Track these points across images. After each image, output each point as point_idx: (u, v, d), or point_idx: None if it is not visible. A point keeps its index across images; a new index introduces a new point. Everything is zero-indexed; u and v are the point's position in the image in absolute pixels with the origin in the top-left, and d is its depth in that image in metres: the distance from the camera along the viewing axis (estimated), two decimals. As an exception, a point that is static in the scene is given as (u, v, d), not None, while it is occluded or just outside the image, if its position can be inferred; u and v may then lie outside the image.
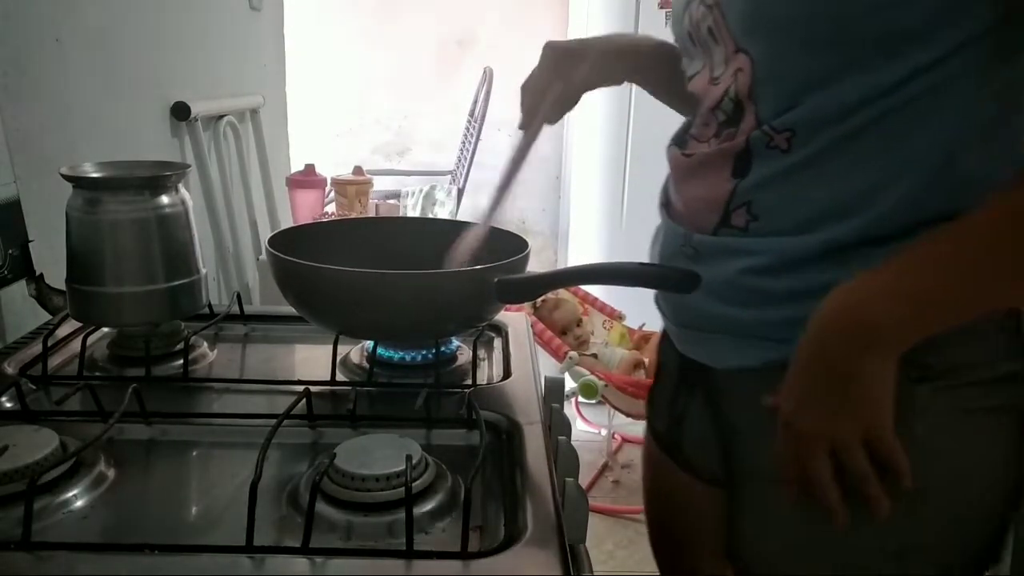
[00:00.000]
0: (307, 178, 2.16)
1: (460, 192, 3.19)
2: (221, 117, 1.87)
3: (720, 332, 0.71)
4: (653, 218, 0.83)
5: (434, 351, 0.92)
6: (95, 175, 0.93)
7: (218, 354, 0.99)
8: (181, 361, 0.91)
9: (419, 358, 0.93)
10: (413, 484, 0.61)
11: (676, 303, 0.77)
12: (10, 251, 1.02)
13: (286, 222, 2.21)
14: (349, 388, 0.85)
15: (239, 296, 1.11)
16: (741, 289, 0.67)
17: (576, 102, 0.81)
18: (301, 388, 0.80)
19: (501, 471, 0.72)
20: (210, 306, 1.04)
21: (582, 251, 3.19)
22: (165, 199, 0.92)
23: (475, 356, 0.95)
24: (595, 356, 2.22)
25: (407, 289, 0.84)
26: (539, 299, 2.25)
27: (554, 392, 0.94)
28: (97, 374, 0.91)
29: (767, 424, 0.66)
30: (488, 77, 3.42)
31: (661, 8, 2.79)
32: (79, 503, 0.65)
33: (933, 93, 0.59)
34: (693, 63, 0.73)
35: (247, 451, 0.71)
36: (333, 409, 0.82)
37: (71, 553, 0.58)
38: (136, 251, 0.91)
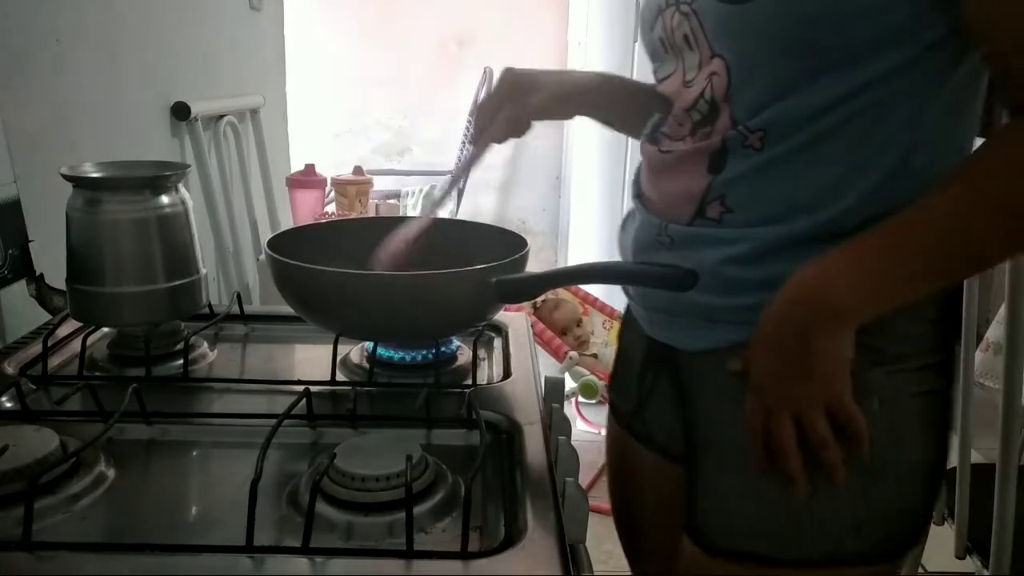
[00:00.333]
0: (307, 178, 2.16)
1: (460, 192, 3.19)
2: (221, 117, 1.87)
3: (690, 316, 0.75)
4: (653, 218, 0.83)
5: (434, 351, 0.92)
6: (95, 175, 0.93)
7: (218, 354, 0.99)
8: (181, 361, 0.91)
9: (419, 358, 0.93)
10: (413, 484, 0.61)
11: (647, 289, 0.80)
12: (10, 251, 1.02)
13: (286, 222, 2.21)
14: (349, 388, 0.85)
15: (239, 296, 1.11)
16: (716, 277, 0.71)
17: (526, 128, 0.86)
18: (301, 388, 0.80)
19: (501, 471, 0.72)
20: (210, 306, 1.04)
21: (582, 251, 3.19)
22: (165, 199, 0.92)
23: (475, 356, 0.95)
24: (595, 356, 2.22)
25: (407, 289, 0.84)
26: (539, 299, 2.26)
27: (554, 392, 0.93)
28: (97, 374, 0.91)
29: (730, 401, 0.71)
30: (488, 77, 3.42)
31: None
32: (79, 503, 0.65)
33: (893, 98, 0.65)
34: (664, 67, 0.77)
35: (247, 451, 0.71)
36: (333, 409, 0.82)
37: (71, 553, 0.58)
38: (136, 251, 0.91)
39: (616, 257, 0.88)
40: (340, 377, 0.89)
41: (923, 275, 0.65)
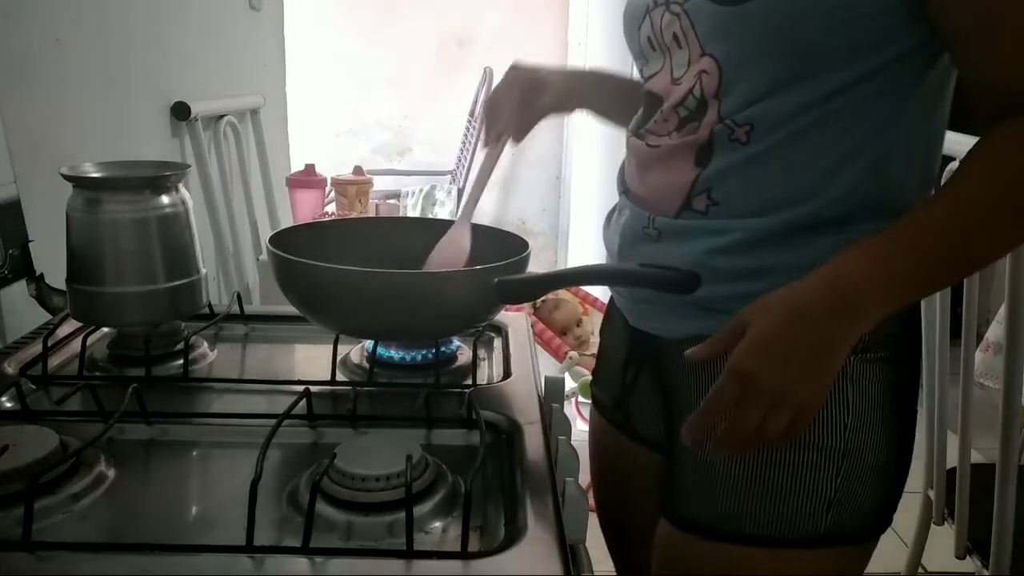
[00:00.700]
0: (307, 178, 2.16)
1: (460, 192, 3.20)
2: (221, 117, 1.87)
3: (676, 305, 0.76)
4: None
5: (434, 351, 0.93)
6: (95, 175, 0.93)
7: (218, 354, 0.99)
8: (181, 361, 0.91)
9: (419, 358, 0.93)
10: (413, 484, 0.61)
11: None
12: (10, 251, 1.03)
13: (286, 222, 2.21)
14: (349, 388, 0.85)
15: (239, 296, 1.11)
16: (702, 267, 0.73)
17: (535, 124, 0.89)
18: (301, 388, 0.80)
19: (501, 471, 0.72)
20: (210, 306, 1.04)
21: (582, 251, 3.19)
22: (165, 199, 0.92)
23: (475, 356, 0.95)
24: (595, 356, 2.22)
25: (407, 289, 0.84)
26: (539, 299, 2.25)
27: (554, 392, 0.94)
28: (97, 374, 0.91)
29: (708, 385, 0.71)
30: (488, 77, 3.42)
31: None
32: (79, 503, 0.65)
33: (874, 96, 0.68)
34: (651, 65, 0.79)
35: (247, 451, 0.71)
36: (333, 409, 0.82)
37: (71, 553, 0.58)
38: (136, 251, 0.91)
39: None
40: (340, 377, 0.89)
41: (936, 277, 0.67)
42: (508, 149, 0.91)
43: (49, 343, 0.91)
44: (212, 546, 0.59)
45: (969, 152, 0.65)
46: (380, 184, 2.86)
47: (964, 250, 0.66)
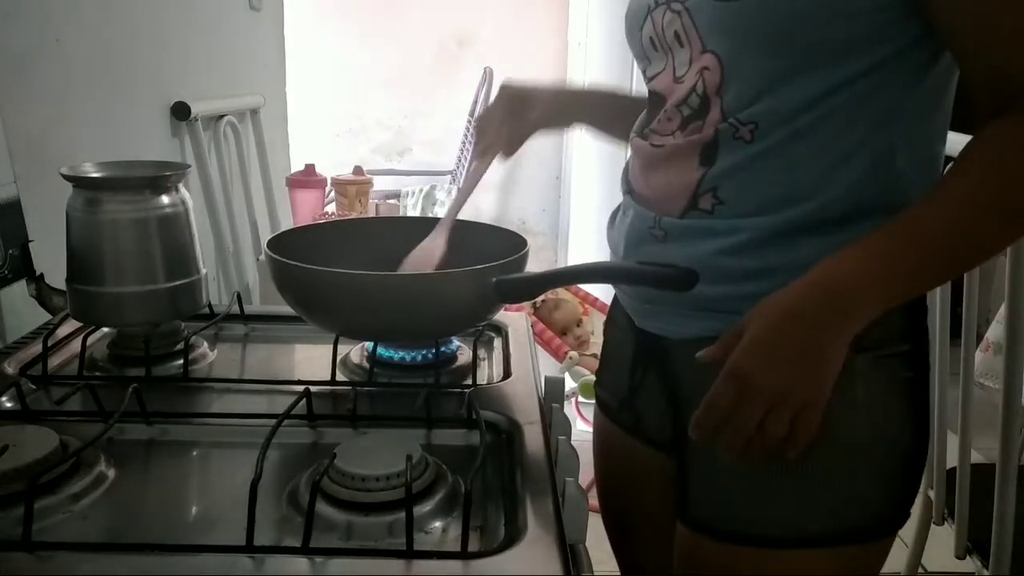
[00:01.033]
0: (307, 178, 2.16)
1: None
2: (221, 117, 1.87)
3: (682, 306, 0.76)
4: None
5: (434, 351, 0.93)
6: (95, 175, 0.93)
7: (218, 354, 0.99)
8: (181, 361, 0.91)
9: (419, 358, 0.93)
10: (413, 484, 0.61)
11: None
12: (10, 251, 1.03)
13: (286, 222, 2.21)
14: (349, 388, 0.85)
15: (239, 296, 1.11)
16: (709, 267, 0.73)
17: (524, 140, 0.92)
18: (301, 388, 0.80)
19: (501, 471, 0.72)
20: (210, 306, 1.04)
21: (582, 251, 3.19)
22: (165, 199, 0.92)
23: (475, 356, 0.95)
24: (595, 356, 2.21)
25: (407, 290, 0.84)
26: (539, 299, 2.25)
27: (554, 392, 0.94)
28: (97, 374, 0.91)
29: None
30: (488, 77, 3.42)
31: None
32: (79, 503, 0.65)
33: (877, 92, 0.68)
34: (653, 65, 0.79)
35: (247, 451, 0.71)
36: (333, 409, 0.82)
37: (71, 553, 0.58)
38: (136, 251, 0.91)
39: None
40: (340, 377, 0.89)
41: (935, 273, 0.68)
42: (498, 162, 0.93)
43: (49, 343, 0.91)
44: (212, 546, 0.59)
45: (966, 148, 0.66)
46: (380, 184, 2.86)
47: (962, 249, 0.66)
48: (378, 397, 0.86)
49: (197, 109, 1.65)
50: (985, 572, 1.19)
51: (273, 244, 0.91)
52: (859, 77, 0.67)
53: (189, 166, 0.99)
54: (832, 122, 0.68)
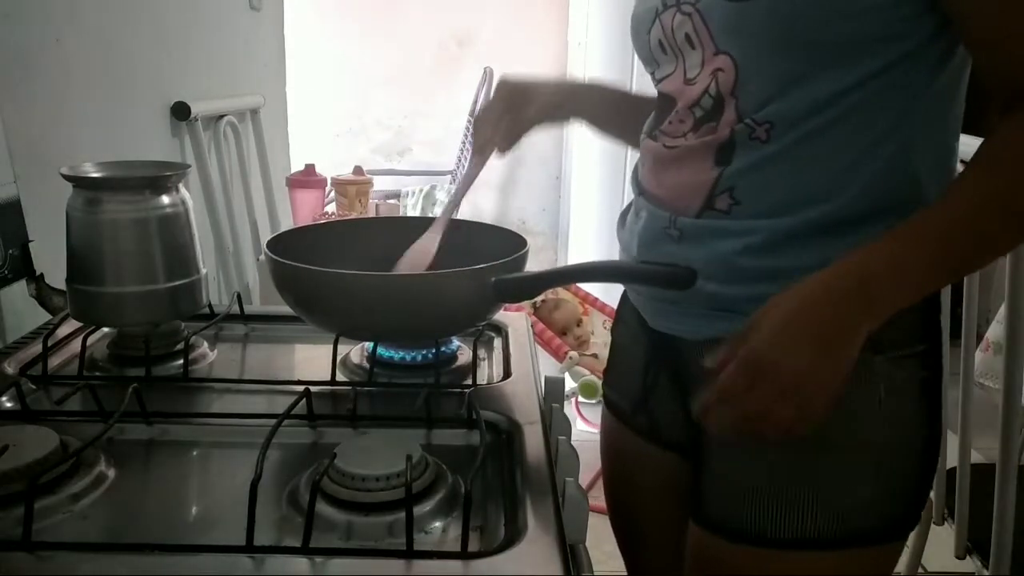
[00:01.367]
0: (307, 178, 2.16)
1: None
2: (221, 117, 1.87)
3: (698, 306, 0.76)
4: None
5: (434, 351, 0.92)
6: (95, 175, 0.93)
7: (218, 354, 0.99)
8: (181, 361, 0.91)
9: (419, 358, 0.93)
10: (413, 484, 0.61)
11: None
12: (10, 251, 1.02)
13: (286, 222, 2.21)
14: (349, 388, 0.85)
15: (239, 296, 1.11)
16: (725, 268, 0.73)
17: (522, 136, 0.91)
18: (301, 388, 0.80)
19: (501, 471, 0.72)
20: (210, 306, 1.04)
21: (582, 251, 3.19)
22: (165, 199, 0.92)
23: (475, 356, 0.95)
24: (595, 356, 2.22)
25: (407, 290, 0.84)
26: (539, 299, 2.26)
27: (554, 392, 0.93)
28: (97, 374, 0.91)
29: None
30: (488, 77, 3.42)
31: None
32: (79, 503, 0.65)
33: (892, 90, 0.68)
34: (663, 67, 0.79)
35: (247, 451, 0.71)
36: (333, 409, 0.82)
37: (71, 553, 0.58)
38: (136, 251, 0.91)
39: (617, 256, 0.89)
40: (340, 377, 0.89)
41: (953, 270, 0.69)
42: (495, 157, 0.92)
43: (49, 343, 0.91)
44: (212, 546, 0.59)
45: (983, 144, 0.66)
46: (380, 184, 2.86)
47: (979, 246, 0.66)
48: (378, 397, 0.86)
49: (197, 109, 1.65)
50: (985, 572, 1.19)
51: (273, 244, 0.91)
52: (875, 75, 0.67)
53: (189, 166, 0.99)
54: (848, 121, 0.68)
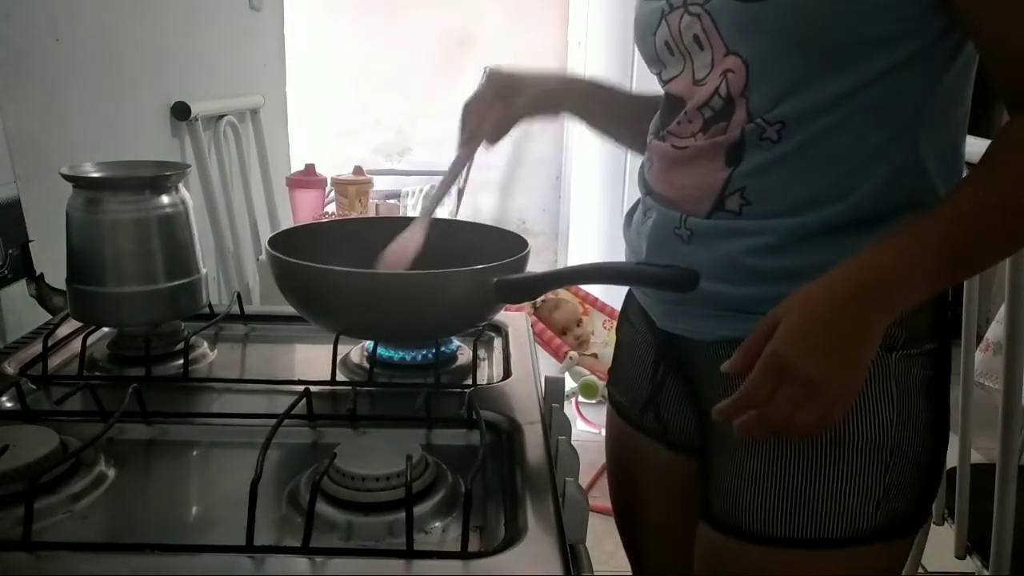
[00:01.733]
0: (307, 178, 2.16)
1: (460, 192, 3.19)
2: (221, 117, 1.87)
3: (708, 306, 0.76)
4: (653, 218, 0.83)
5: (434, 351, 0.92)
6: (95, 175, 0.93)
7: (218, 354, 0.99)
8: (181, 361, 0.91)
9: (419, 358, 0.93)
10: (413, 484, 0.61)
11: None
12: (10, 251, 1.02)
13: (286, 222, 2.21)
14: (349, 388, 0.85)
15: (239, 296, 1.11)
16: (737, 268, 0.73)
17: (511, 127, 0.89)
18: (301, 388, 0.80)
19: (501, 471, 0.72)
20: (210, 306, 1.04)
21: (582, 251, 3.19)
22: (165, 199, 0.92)
23: (475, 356, 0.95)
24: (595, 356, 2.22)
25: (407, 289, 0.84)
26: (539, 299, 2.26)
27: (554, 392, 0.94)
28: (97, 374, 0.91)
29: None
30: (488, 77, 3.41)
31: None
32: (79, 503, 0.65)
33: (899, 91, 0.68)
34: (669, 68, 0.78)
35: (247, 451, 0.71)
36: (333, 409, 0.82)
37: (71, 553, 0.58)
38: (136, 251, 0.91)
39: (617, 256, 0.89)
40: (340, 377, 0.89)
41: (963, 267, 0.69)
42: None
43: (49, 343, 0.91)
44: (212, 546, 0.59)
45: (992, 144, 0.66)
46: (380, 184, 2.86)
47: (992, 244, 0.67)
48: (378, 397, 0.86)
49: (197, 109, 1.65)
50: (985, 572, 1.19)
51: (274, 242, 0.91)
52: (884, 74, 0.67)
53: (189, 166, 0.99)
54: (859, 120, 0.68)
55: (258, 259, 2.04)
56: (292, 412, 0.74)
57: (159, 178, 0.92)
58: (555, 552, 0.59)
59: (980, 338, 1.49)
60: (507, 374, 0.93)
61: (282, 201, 2.22)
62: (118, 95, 1.39)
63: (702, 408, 0.82)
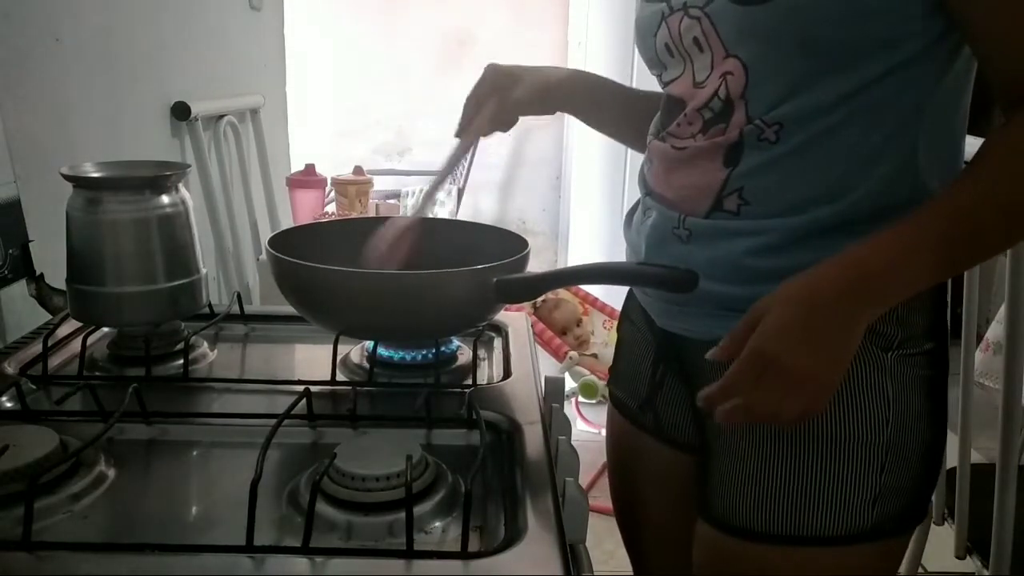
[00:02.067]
0: (307, 178, 2.16)
1: (460, 192, 3.19)
2: (221, 117, 1.87)
3: (707, 306, 0.76)
4: (653, 218, 0.83)
5: (434, 351, 0.93)
6: (95, 175, 0.93)
7: (218, 354, 0.99)
8: (181, 361, 0.91)
9: (419, 358, 0.93)
10: (413, 484, 0.61)
11: None
12: (10, 251, 1.02)
13: (286, 222, 2.21)
14: (349, 388, 0.85)
15: (239, 296, 1.11)
16: (735, 268, 0.73)
17: (511, 122, 0.90)
18: (301, 388, 0.80)
19: (501, 471, 0.72)
20: (210, 306, 1.04)
21: (582, 251, 3.19)
22: (165, 199, 0.92)
23: (475, 356, 0.95)
24: (595, 356, 2.22)
25: (407, 289, 0.84)
26: (539, 299, 2.26)
27: (554, 392, 0.94)
28: (97, 374, 0.91)
29: None
30: (488, 77, 3.41)
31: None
32: (79, 503, 0.65)
33: (898, 92, 0.68)
34: (669, 70, 0.79)
35: (247, 451, 0.71)
36: (333, 409, 0.82)
37: (71, 553, 0.58)
38: (136, 251, 0.91)
39: (617, 256, 0.89)
40: (340, 377, 0.89)
41: (950, 265, 0.68)
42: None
43: (49, 343, 0.91)
44: (212, 546, 0.59)
45: (986, 142, 0.66)
46: (380, 184, 2.86)
47: (982, 240, 0.67)
48: (378, 397, 0.86)
49: (197, 109, 1.65)
50: (985, 572, 1.19)
51: (274, 242, 0.91)
52: (883, 76, 0.67)
53: (189, 166, 0.99)
54: (858, 121, 0.69)
55: (258, 259, 2.04)
56: (292, 412, 0.74)
57: (159, 178, 0.92)
58: (555, 552, 0.59)
59: (980, 338, 1.49)
60: (507, 374, 0.93)
61: (282, 201, 2.22)
62: (118, 95, 1.39)
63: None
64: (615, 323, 2.46)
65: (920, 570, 1.57)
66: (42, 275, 1.07)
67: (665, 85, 0.80)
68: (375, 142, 3.71)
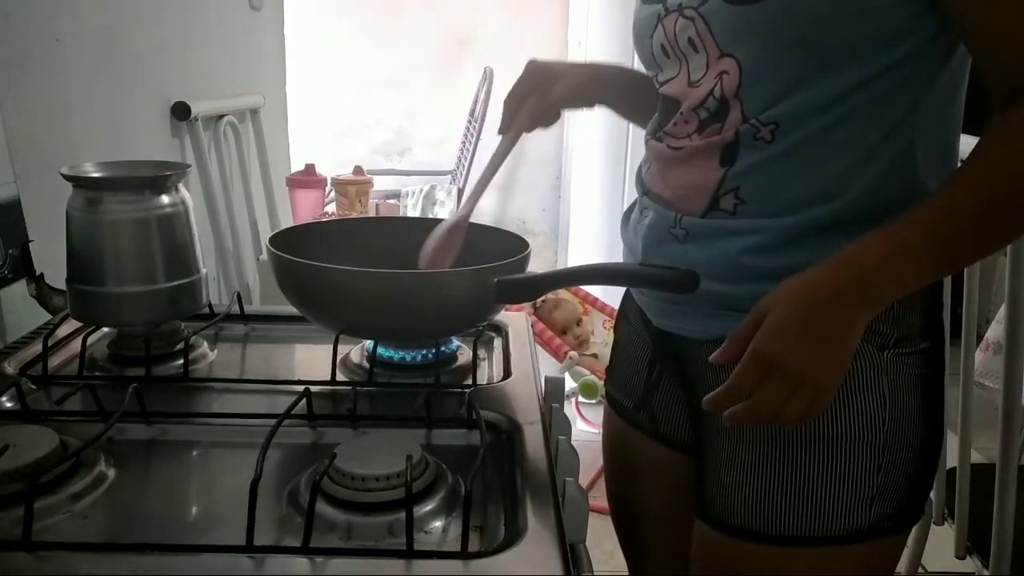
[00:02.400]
0: (307, 178, 2.16)
1: (460, 192, 3.20)
2: (221, 117, 1.87)
3: (704, 305, 0.76)
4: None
5: (434, 351, 0.93)
6: (95, 175, 0.93)
7: (218, 354, 0.99)
8: (181, 361, 0.91)
9: (419, 358, 0.93)
10: (413, 484, 0.61)
11: None
12: (10, 251, 1.03)
13: (286, 222, 2.21)
14: (349, 388, 0.85)
15: (239, 296, 1.11)
16: (731, 267, 0.73)
17: (554, 117, 0.90)
18: (301, 388, 0.80)
19: (501, 471, 0.72)
20: (210, 306, 1.04)
21: (582, 251, 3.19)
22: (165, 199, 0.92)
23: (475, 356, 0.95)
24: (595, 356, 2.22)
25: (407, 289, 0.84)
26: (539, 299, 2.26)
27: (554, 392, 0.94)
28: (97, 374, 0.91)
29: None
30: (488, 77, 3.42)
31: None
32: (79, 503, 0.65)
33: (896, 89, 0.68)
34: (665, 71, 0.79)
35: (247, 451, 0.71)
36: (333, 409, 0.82)
37: (71, 553, 0.58)
38: (136, 251, 0.91)
39: (617, 256, 0.89)
40: (340, 377, 0.89)
41: (946, 262, 0.68)
42: (489, 145, 0.91)
43: (49, 343, 0.91)
44: (212, 546, 0.59)
45: (982, 139, 0.66)
46: (380, 184, 2.86)
47: (979, 236, 0.67)
48: (378, 397, 0.86)
49: (197, 109, 1.65)
50: (985, 572, 1.19)
51: (274, 241, 0.91)
52: (878, 75, 0.67)
53: (189, 166, 0.99)
54: (853, 120, 0.69)
55: (258, 259, 2.04)
56: (292, 412, 0.74)
57: (159, 178, 0.92)
58: (555, 552, 0.59)
59: (980, 338, 1.49)
60: (507, 374, 0.93)
61: (282, 201, 2.22)
62: (118, 95, 1.39)
63: (697, 406, 0.82)
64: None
65: (920, 570, 1.57)
66: (42, 275, 1.07)
67: (661, 85, 0.80)
68: (375, 142, 3.72)
